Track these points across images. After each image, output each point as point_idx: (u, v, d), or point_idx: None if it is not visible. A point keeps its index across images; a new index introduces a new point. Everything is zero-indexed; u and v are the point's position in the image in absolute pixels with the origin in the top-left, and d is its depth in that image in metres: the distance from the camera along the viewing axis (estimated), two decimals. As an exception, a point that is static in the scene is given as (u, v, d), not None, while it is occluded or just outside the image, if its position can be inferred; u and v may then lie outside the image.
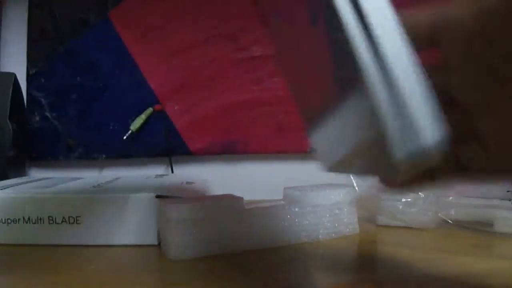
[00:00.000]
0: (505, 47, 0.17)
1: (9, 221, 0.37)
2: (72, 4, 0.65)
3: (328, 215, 0.38)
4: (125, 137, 0.62)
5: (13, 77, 0.60)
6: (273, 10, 0.21)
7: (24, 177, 0.52)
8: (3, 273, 0.31)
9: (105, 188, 0.40)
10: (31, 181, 0.45)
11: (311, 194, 0.38)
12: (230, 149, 0.64)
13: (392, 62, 0.15)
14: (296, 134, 0.64)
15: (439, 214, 0.40)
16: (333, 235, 0.38)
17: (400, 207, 0.40)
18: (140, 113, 0.63)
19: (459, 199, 0.41)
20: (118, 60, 0.64)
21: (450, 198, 0.41)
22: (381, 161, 0.16)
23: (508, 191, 0.40)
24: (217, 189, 0.53)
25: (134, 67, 0.64)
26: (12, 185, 0.41)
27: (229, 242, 0.34)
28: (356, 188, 0.42)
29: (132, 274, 0.30)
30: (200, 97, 0.64)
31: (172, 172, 0.63)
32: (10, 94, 0.58)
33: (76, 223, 0.36)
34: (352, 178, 0.43)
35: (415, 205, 0.40)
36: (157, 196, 0.37)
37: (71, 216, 0.36)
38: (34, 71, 0.65)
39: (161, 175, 0.53)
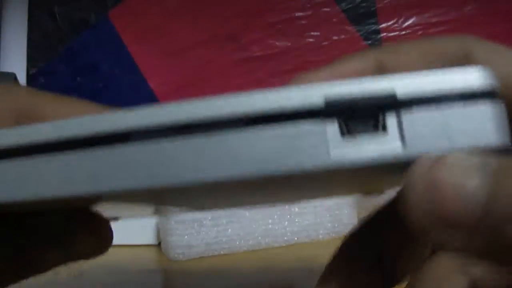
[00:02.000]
0: None
1: (9, 221, 0.37)
2: (72, 4, 0.65)
3: (328, 215, 0.38)
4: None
5: (13, 77, 0.60)
6: None
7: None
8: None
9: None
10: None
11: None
12: (230, 149, 0.64)
13: None
14: (296, 134, 0.63)
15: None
16: (333, 235, 0.38)
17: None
18: (140, 113, 0.63)
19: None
20: (118, 60, 0.64)
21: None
22: None
23: None
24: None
25: (134, 67, 0.64)
26: (12, 185, 0.41)
27: (229, 242, 0.34)
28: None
29: (132, 274, 0.30)
30: (200, 97, 0.64)
31: (172, 172, 0.63)
32: (10, 94, 0.58)
33: (76, 223, 0.36)
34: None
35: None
36: (157, 196, 0.37)
37: (71, 216, 0.36)
38: (34, 71, 0.65)
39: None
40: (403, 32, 0.63)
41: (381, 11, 0.64)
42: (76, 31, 0.65)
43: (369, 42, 0.63)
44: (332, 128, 0.09)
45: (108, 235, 0.17)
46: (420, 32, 0.63)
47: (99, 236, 0.17)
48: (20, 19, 0.67)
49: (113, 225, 0.36)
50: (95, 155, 0.10)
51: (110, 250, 0.35)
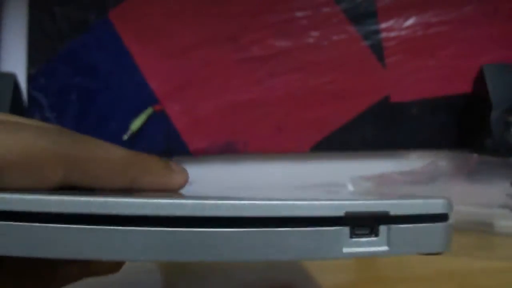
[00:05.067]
0: None
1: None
2: (72, 4, 0.65)
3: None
4: (126, 137, 0.62)
5: (13, 77, 0.60)
6: None
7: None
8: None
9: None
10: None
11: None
12: (230, 149, 0.64)
13: None
14: (296, 134, 0.64)
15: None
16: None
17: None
18: (140, 113, 0.63)
19: (458, 207, 0.41)
20: (118, 60, 0.64)
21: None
22: None
23: (507, 195, 0.40)
24: (217, 189, 0.52)
25: (134, 67, 0.64)
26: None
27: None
28: (356, 188, 0.42)
29: (132, 274, 0.30)
30: (200, 97, 0.64)
31: (172, 172, 0.63)
32: (11, 95, 0.58)
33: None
34: (351, 178, 0.43)
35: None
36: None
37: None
38: (34, 71, 0.65)
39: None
40: (403, 32, 0.63)
41: (381, 11, 0.64)
42: (76, 31, 0.65)
43: (369, 42, 0.63)
44: (345, 232, 0.13)
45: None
46: (420, 32, 0.63)
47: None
48: (20, 19, 0.67)
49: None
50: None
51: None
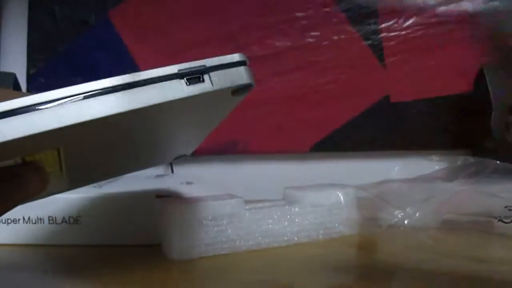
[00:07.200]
0: None
1: (9, 221, 0.37)
2: (72, 4, 0.65)
3: (328, 215, 0.38)
4: (125, 137, 0.62)
5: (13, 77, 0.60)
6: None
7: (24, 177, 0.51)
8: (2, 273, 0.31)
9: (105, 188, 0.40)
10: (31, 181, 0.45)
11: (311, 194, 0.38)
12: (230, 149, 0.64)
13: None
14: (296, 134, 0.64)
15: (440, 214, 0.40)
16: (333, 235, 0.38)
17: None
18: (140, 113, 0.63)
19: (458, 207, 0.41)
20: (118, 60, 0.64)
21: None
22: None
23: (506, 207, 0.40)
24: (217, 189, 0.52)
25: (134, 67, 0.64)
26: (12, 185, 0.41)
27: (229, 242, 0.34)
28: (356, 188, 0.42)
29: (132, 274, 0.30)
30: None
31: (172, 172, 0.63)
32: (10, 94, 0.58)
33: (76, 223, 0.36)
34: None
35: (415, 205, 0.40)
36: (157, 196, 0.37)
37: (71, 216, 0.36)
38: (34, 71, 0.65)
39: (161, 175, 0.53)
40: (403, 32, 0.63)
41: (381, 11, 0.64)
42: (76, 31, 0.65)
43: (369, 42, 0.63)
44: (183, 82, 0.20)
45: (46, 175, 0.22)
46: (420, 32, 0.63)
47: (40, 174, 0.22)
48: (20, 19, 0.67)
49: (115, 226, 0.36)
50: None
51: (110, 249, 0.35)
